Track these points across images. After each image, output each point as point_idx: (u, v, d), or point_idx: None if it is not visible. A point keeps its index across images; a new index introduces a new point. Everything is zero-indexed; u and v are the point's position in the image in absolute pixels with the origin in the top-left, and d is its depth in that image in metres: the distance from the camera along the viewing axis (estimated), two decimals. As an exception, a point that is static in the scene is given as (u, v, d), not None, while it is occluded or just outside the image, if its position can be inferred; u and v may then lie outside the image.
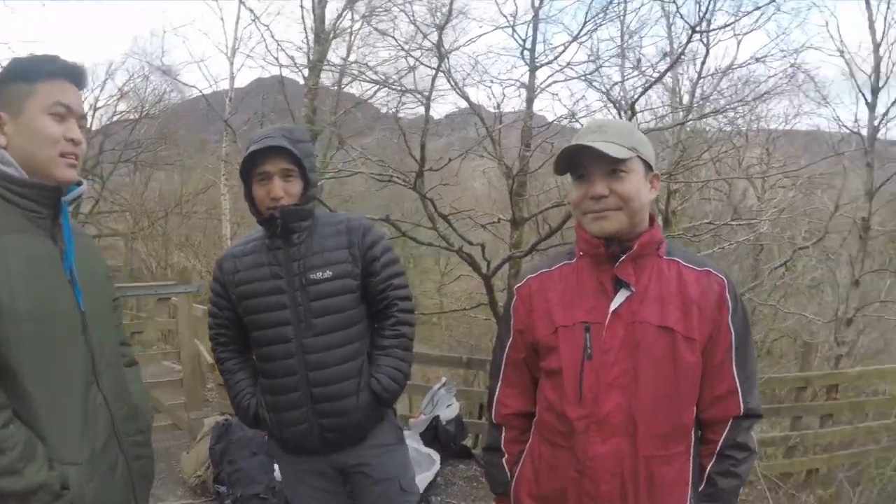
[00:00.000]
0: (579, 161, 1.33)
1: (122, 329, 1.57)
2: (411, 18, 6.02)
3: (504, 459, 1.51)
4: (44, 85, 1.23)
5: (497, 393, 1.53)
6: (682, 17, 5.41)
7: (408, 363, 1.94)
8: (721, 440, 1.37)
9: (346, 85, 8.03)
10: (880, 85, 6.90)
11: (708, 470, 1.38)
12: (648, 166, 1.37)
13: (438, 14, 5.99)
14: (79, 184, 1.31)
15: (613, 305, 1.34)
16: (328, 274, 1.82)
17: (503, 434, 1.51)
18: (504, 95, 6.24)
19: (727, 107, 6.20)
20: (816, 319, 8.35)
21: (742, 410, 1.36)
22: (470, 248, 5.33)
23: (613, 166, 1.31)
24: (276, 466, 3.62)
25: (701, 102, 6.46)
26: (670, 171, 5.84)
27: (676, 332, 1.31)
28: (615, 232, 1.33)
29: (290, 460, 1.97)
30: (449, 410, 4.35)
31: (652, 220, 1.40)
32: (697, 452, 1.39)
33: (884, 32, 6.32)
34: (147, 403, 1.52)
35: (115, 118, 16.50)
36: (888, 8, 6.23)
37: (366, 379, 1.87)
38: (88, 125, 15.98)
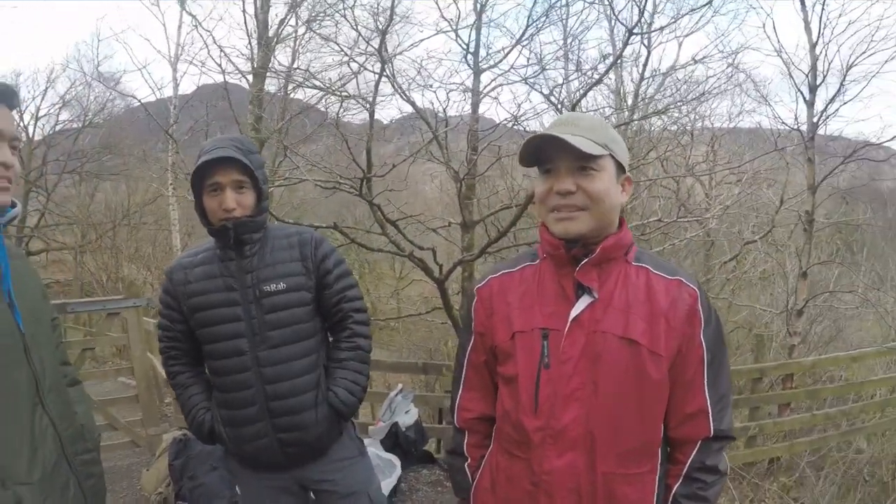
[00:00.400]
0: (547, 154, 1.25)
1: (63, 349, 1.53)
2: (352, 24, 5.93)
3: (467, 464, 1.47)
4: None
5: (458, 397, 1.48)
6: (618, 20, 5.49)
7: (365, 376, 1.93)
8: (689, 461, 1.29)
9: (292, 91, 7.90)
10: (818, 83, 7.11)
11: (674, 492, 1.30)
12: (621, 167, 1.28)
13: (381, 19, 5.92)
14: (13, 205, 1.26)
15: (574, 312, 1.26)
16: (282, 286, 1.80)
17: (466, 438, 1.47)
18: (449, 99, 6.21)
19: (670, 106, 6.32)
20: (768, 311, 8.57)
21: (712, 432, 1.28)
22: (421, 253, 5.27)
23: (583, 162, 1.22)
24: None
25: (645, 103, 6.56)
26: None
27: (641, 345, 1.23)
28: (580, 234, 1.24)
29: (251, 476, 1.91)
30: (407, 416, 4.36)
31: (622, 223, 1.32)
32: (665, 472, 1.32)
33: (819, 32, 6.50)
34: (93, 422, 1.49)
35: (57, 127, 15.95)
36: (823, 8, 6.43)
37: (323, 392, 1.86)
38: (31, 135, 15.48)
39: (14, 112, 1.28)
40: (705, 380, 1.27)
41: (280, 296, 1.79)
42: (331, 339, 1.96)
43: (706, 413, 1.27)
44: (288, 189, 7.95)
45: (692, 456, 1.29)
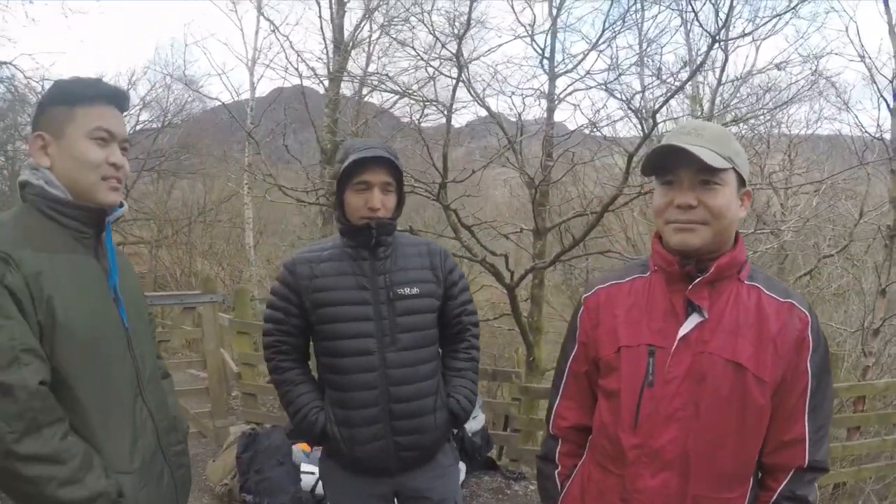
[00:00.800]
0: (669, 164, 1.22)
1: (156, 342, 1.61)
2: (430, 29, 6.07)
3: (557, 472, 1.45)
4: (84, 109, 1.26)
5: (556, 404, 1.47)
6: (700, 25, 5.40)
7: (477, 386, 1.98)
8: (780, 489, 1.26)
9: (367, 95, 8.11)
10: (902, 89, 6.78)
11: None
12: (742, 181, 1.25)
13: (457, 24, 6.03)
14: (121, 205, 1.34)
15: (683, 331, 1.23)
16: (415, 291, 1.82)
17: (559, 446, 1.46)
18: (524, 105, 6.26)
19: (748, 114, 6.17)
20: (843, 329, 8.22)
21: (807, 462, 1.24)
22: (493, 259, 5.34)
23: (706, 176, 1.19)
24: (303, 476, 3.67)
25: (721, 110, 6.43)
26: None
27: (747, 369, 1.19)
28: (697, 248, 1.22)
29: (350, 482, 1.87)
30: (474, 422, 4.38)
31: (737, 239, 1.28)
32: (754, 497, 1.29)
33: (904, 36, 6.21)
34: (181, 414, 1.59)
35: (137, 127, 16.80)
36: (909, 12, 6.14)
37: (443, 398, 1.88)
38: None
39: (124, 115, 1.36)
40: (806, 408, 1.23)
41: (414, 300, 1.82)
42: (448, 347, 1.99)
43: (804, 442, 1.24)
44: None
45: (783, 484, 1.25)
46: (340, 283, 1.80)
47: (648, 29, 6.18)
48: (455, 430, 2.01)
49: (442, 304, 1.91)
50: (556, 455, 1.46)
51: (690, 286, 1.23)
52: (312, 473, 3.63)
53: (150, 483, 1.31)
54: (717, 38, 5.44)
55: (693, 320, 1.24)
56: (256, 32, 12.23)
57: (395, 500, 1.91)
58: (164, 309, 10.01)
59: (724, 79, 6.77)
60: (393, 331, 1.79)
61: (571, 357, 1.43)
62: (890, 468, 4.89)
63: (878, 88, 6.56)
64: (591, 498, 1.34)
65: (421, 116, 5.89)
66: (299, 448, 3.85)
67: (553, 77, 6.25)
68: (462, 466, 3.92)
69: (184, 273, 12.37)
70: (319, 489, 3.55)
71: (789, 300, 1.25)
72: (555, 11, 6.57)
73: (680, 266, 1.24)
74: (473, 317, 1.99)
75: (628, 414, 1.26)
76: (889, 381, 5.87)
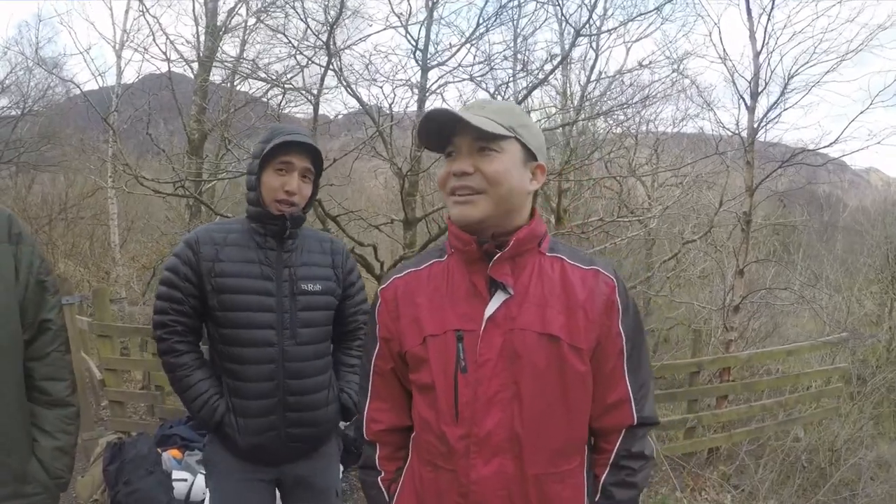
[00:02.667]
0: (449, 137, 1.20)
1: (57, 360, 1.41)
2: (301, 16, 5.85)
3: (380, 478, 1.37)
4: None
5: (367, 408, 1.38)
6: (568, 21, 5.58)
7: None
8: (615, 450, 1.27)
9: (238, 83, 7.74)
10: (760, 90, 7.38)
11: (602, 481, 1.27)
12: (531, 154, 1.23)
13: (331, 12, 5.85)
14: None
15: (489, 311, 1.19)
16: (318, 287, 1.87)
17: (377, 451, 1.38)
18: (395, 95, 6.18)
19: (614, 108, 6.46)
20: (707, 307, 8.87)
21: (636, 419, 1.26)
22: (362, 250, 5.25)
23: (483, 143, 1.17)
24: (175, 485, 3.51)
25: (591, 104, 6.69)
26: (561, 169, 6.02)
27: (561, 339, 1.18)
28: (479, 220, 1.18)
29: (236, 468, 1.86)
30: (347, 414, 4.31)
31: (533, 213, 1.27)
32: (591, 462, 1.29)
33: (764, 42, 6.75)
34: (59, 461, 1.37)
35: (-6, 114, 15.19)
36: (769, 19, 6.69)
37: (335, 392, 1.94)
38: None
39: None
40: (626, 369, 1.25)
41: (315, 297, 1.86)
42: (340, 344, 2.06)
43: (628, 402, 1.25)
44: (231, 183, 7.77)
45: (617, 444, 1.27)
46: (245, 271, 1.79)
47: (524, 26, 6.28)
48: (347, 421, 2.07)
49: (339, 303, 1.96)
50: (377, 461, 1.38)
51: (491, 264, 1.20)
52: (185, 480, 3.53)
53: None
54: (581, 32, 5.65)
55: (498, 298, 1.20)
56: (126, 12, 11.34)
57: (278, 489, 1.95)
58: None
59: (593, 76, 7.04)
60: (293, 324, 1.82)
61: (375, 355, 1.35)
62: (761, 430, 5.32)
63: (737, 89, 7.09)
64: (430, 501, 1.26)
65: (282, 102, 5.68)
66: (170, 455, 3.69)
67: (425, 69, 6.21)
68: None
69: (45, 275, 11.27)
70: (194, 495, 3.46)
71: (594, 266, 1.25)
72: (430, 3, 6.55)
73: (478, 245, 1.20)
74: (366, 316, 2.04)
75: (447, 405, 1.20)
76: (752, 352, 6.39)
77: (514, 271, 1.21)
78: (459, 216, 1.20)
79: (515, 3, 5.96)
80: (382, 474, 1.37)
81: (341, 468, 3.86)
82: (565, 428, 1.21)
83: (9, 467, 1.19)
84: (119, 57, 10.93)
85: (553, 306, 1.20)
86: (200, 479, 3.51)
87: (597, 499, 1.27)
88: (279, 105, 5.66)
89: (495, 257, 1.19)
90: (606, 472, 1.27)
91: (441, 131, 1.20)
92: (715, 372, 5.86)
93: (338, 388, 1.96)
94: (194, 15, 7.98)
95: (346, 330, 2.04)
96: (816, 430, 5.43)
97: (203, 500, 3.21)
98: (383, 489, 1.36)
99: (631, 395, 1.25)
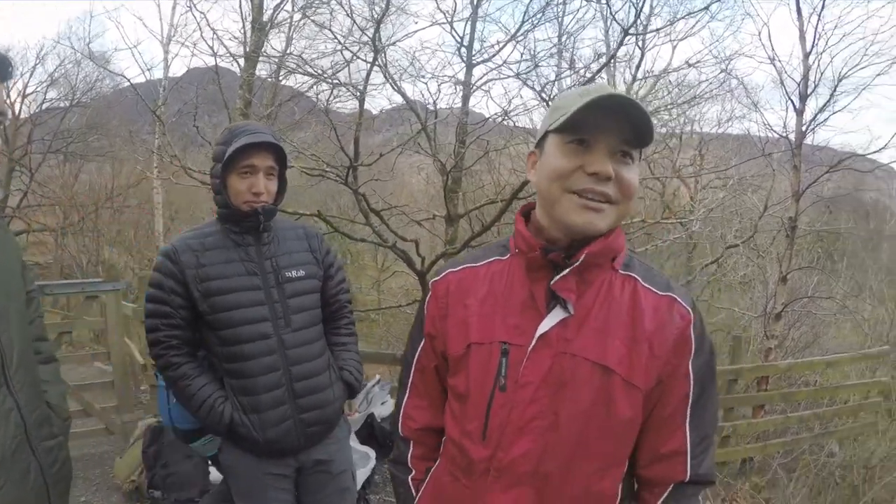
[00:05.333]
0: (588, 122, 1.00)
1: (40, 324, 1.45)
2: (348, 12, 5.89)
3: (411, 477, 1.28)
4: None
5: (404, 404, 1.30)
6: (615, 19, 5.50)
7: (360, 356, 2.11)
8: None
9: (283, 78, 7.83)
10: (809, 92, 7.18)
11: None
12: None
13: (377, 8, 5.88)
14: None
15: (543, 327, 1.06)
16: (301, 273, 1.89)
17: (411, 449, 1.29)
18: (440, 91, 6.17)
19: (660, 108, 6.35)
20: (747, 314, 8.68)
21: (689, 476, 1.09)
22: (404, 245, 5.26)
23: (628, 147, 1.02)
24: (211, 469, 3.52)
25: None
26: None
27: (616, 373, 1.04)
28: (600, 232, 1.04)
29: (257, 468, 1.88)
30: (384, 408, 4.37)
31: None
32: None
33: (814, 42, 6.57)
34: (64, 404, 1.43)
35: (44, 106, 15.70)
36: (819, 19, 6.49)
37: (335, 371, 1.97)
38: (17, 113, 15.21)
39: (4, 85, 1.22)
40: (687, 418, 1.08)
41: (300, 282, 1.89)
42: (330, 324, 2.06)
43: (684, 455, 1.09)
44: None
45: (662, 498, 1.12)
46: (229, 271, 1.80)
47: (569, 23, 6.22)
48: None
49: (322, 284, 1.98)
50: (409, 459, 1.29)
51: (556, 276, 1.05)
52: (222, 465, 3.58)
53: (10, 480, 1.18)
54: (629, 31, 5.55)
55: (556, 315, 1.06)
56: (173, 8, 11.60)
57: (297, 479, 1.95)
58: (71, 300, 9.48)
59: (639, 74, 6.93)
60: (286, 313, 1.84)
61: (419, 350, 1.25)
62: (796, 443, 5.16)
63: (786, 90, 6.91)
64: None
65: (330, 97, 5.72)
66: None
67: (470, 65, 6.21)
68: (371, 453, 3.87)
69: (90, 262, 11.66)
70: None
71: (669, 293, 1.09)
72: (476, 0, 6.54)
73: (543, 252, 1.06)
74: (348, 294, 2.10)
75: (477, 422, 1.10)
76: (791, 362, 6.21)
77: (578, 287, 1.06)
78: (585, 224, 1.03)
79: (560, 0, 5.92)
80: (413, 473, 1.29)
81: (374, 460, 3.93)
82: (596, 474, 1.07)
83: (43, 411, 1.31)
84: (166, 51, 11.21)
85: (616, 334, 1.05)
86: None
87: None
88: (327, 100, 5.69)
89: (563, 271, 1.05)
90: None
91: (586, 115, 1.00)
92: (752, 380, 5.74)
93: (337, 367, 1.99)
94: (240, 10, 8.08)
95: (332, 310, 2.04)
96: (852, 445, 5.25)
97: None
98: (412, 488, 1.28)
99: (689, 447, 1.09)
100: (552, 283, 1.06)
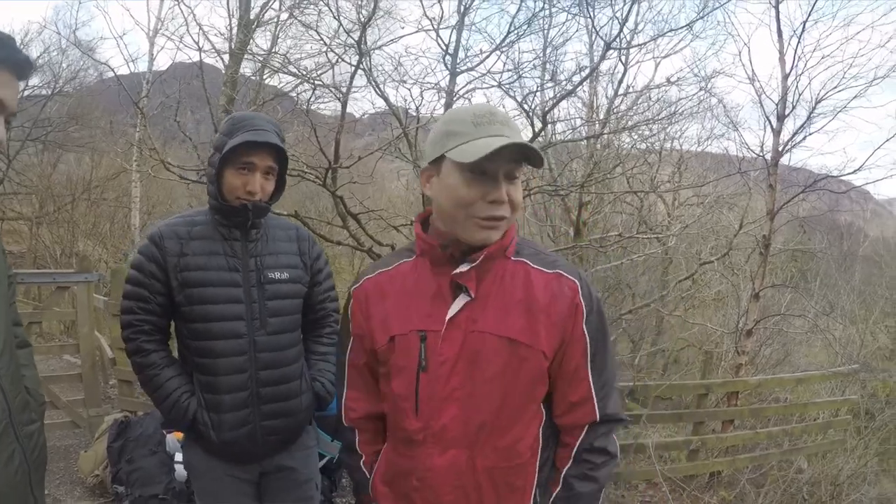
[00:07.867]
0: (489, 157, 1.14)
1: (15, 308, 1.43)
2: (334, 13, 5.89)
3: (362, 462, 1.45)
4: None
5: (344, 397, 1.46)
6: (598, 33, 5.57)
7: None
8: (577, 444, 1.31)
9: (268, 77, 7.81)
10: (786, 112, 7.33)
11: (563, 473, 1.32)
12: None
13: (364, 11, 5.90)
14: None
15: (451, 312, 1.25)
16: (285, 276, 1.84)
17: (357, 436, 1.45)
18: (422, 98, 6.16)
19: (640, 123, 6.44)
20: (719, 330, 8.80)
21: (598, 417, 1.30)
22: (380, 249, 5.26)
23: (514, 169, 1.19)
24: (177, 467, 3.50)
25: (616, 118, 6.67)
26: (583, 182, 6.00)
27: (519, 342, 1.23)
28: (494, 242, 1.24)
29: (218, 468, 1.83)
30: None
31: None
32: (554, 455, 1.35)
33: (793, 64, 6.71)
34: (40, 388, 1.42)
35: (26, 93, 15.42)
36: (798, 41, 6.65)
37: (307, 381, 1.91)
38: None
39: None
40: (589, 369, 1.29)
41: (283, 285, 1.84)
42: (311, 332, 2.02)
43: (591, 400, 1.29)
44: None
45: (580, 438, 1.31)
46: (211, 264, 1.76)
47: (554, 37, 6.27)
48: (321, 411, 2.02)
49: (308, 290, 1.93)
50: (357, 445, 1.46)
51: (456, 271, 1.24)
52: (188, 463, 3.56)
53: None
54: (612, 45, 5.63)
55: (460, 301, 1.26)
56: (161, 1, 11.52)
57: (259, 485, 1.91)
58: (42, 290, 9.34)
59: (620, 90, 7.02)
60: (262, 314, 1.79)
61: (349, 349, 1.42)
62: (765, 458, 5.22)
63: (764, 110, 7.05)
64: (397, 480, 1.36)
65: (311, 97, 5.71)
66: (174, 437, 3.67)
67: (454, 73, 6.20)
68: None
69: (64, 253, 11.49)
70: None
71: (556, 270, 1.29)
72: (462, 8, 6.57)
73: (442, 250, 1.26)
74: (336, 303, 2.03)
75: (410, 401, 1.28)
76: (762, 378, 6.31)
77: (477, 276, 1.25)
78: (484, 240, 1.22)
79: (546, 12, 5.98)
80: (363, 458, 1.45)
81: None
82: (516, 427, 1.27)
83: (23, 396, 1.30)
84: (152, 44, 11.12)
85: (514, 311, 1.24)
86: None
87: (557, 490, 1.32)
88: (308, 101, 5.68)
89: (464, 268, 1.24)
90: (568, 464, 1.32)
91: (492, 156, 1.14)
92: (722, 395, 5.82)
93: (310, 377, 1.93)
94: (228, 7, 8.05)
95: (316, 318, 2.00)
96: (821, 462, 5.33)
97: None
98: (365, 471, 1.44)
99: (594, 393, 1.29)
100: (453, 274, 1.25)
